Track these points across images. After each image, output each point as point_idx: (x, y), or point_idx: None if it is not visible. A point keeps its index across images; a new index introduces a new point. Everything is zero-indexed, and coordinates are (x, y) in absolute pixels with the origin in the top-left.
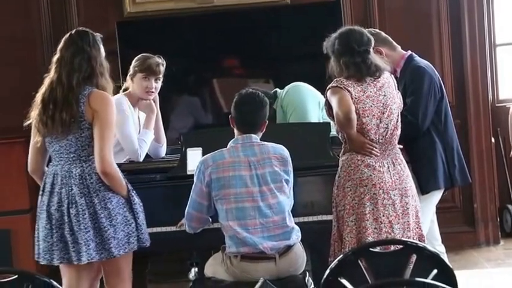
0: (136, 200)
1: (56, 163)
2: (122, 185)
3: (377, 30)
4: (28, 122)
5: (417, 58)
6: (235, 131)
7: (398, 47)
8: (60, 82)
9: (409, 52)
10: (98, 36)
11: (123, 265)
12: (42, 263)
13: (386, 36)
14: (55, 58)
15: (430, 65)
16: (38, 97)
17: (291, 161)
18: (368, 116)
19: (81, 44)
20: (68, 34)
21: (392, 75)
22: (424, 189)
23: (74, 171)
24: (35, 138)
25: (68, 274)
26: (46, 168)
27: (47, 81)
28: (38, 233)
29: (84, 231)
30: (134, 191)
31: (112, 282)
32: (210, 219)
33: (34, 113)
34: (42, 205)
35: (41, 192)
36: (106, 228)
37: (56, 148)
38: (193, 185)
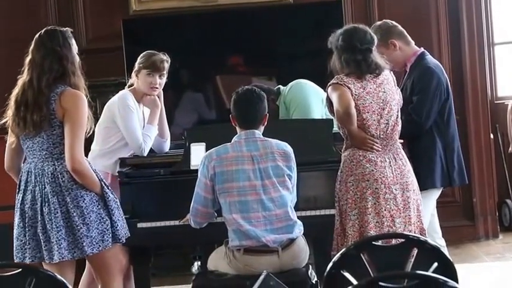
0: (110, 196)
1: (30, 160)
2: (94, 182)
3: (394, 23)
4: (4, 121)
5: (428, 57)
6: (238, 128)
7: (412, 43)
8: (31, 85)
9: (422, 49)
10: (68, 31)
11: (109, 260)
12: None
13: (403, 30)
14: (27, 60)
15: (440, 65)
16: (12, 98)
17: (294, 158)
18: (368, 112)
19: (51, 45)
20: (38, 34)
21: (392, 73)
22: (421, 186)
23: (46, 169)
24: (10, 138)
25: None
26: (23, 165)
27: (19, 83)
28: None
29: (56, 230)
30: (109, 188)
31: (100, 277)
32: (216, 214)
33: (9, 113)
34: (17, 203)
35: (17, 190)
36: (79, 227)
37: (30, 145)
38: (198, 180)
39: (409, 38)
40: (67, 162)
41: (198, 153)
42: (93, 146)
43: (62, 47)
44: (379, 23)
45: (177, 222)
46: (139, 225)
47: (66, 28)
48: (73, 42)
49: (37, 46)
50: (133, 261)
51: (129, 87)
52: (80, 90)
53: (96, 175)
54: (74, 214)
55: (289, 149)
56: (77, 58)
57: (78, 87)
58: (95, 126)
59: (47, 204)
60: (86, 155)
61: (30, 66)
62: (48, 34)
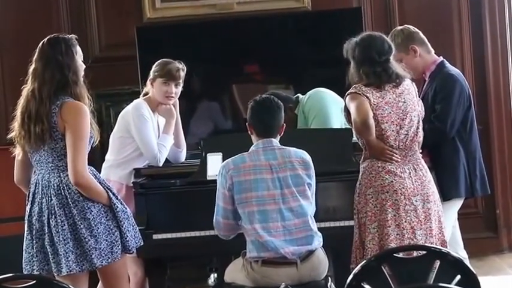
0: (119, 206)
1: (38, 172)
2: (99, 194)
3: (416, 29)
4: (11, 135)
5: (448, 65)
6: (254, 136)
7: (432, 51)
8: (34, 95)
9: (441, 58)
10: (73, 38)
11: (118, 269)
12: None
13: (424, 37)
14: (31, 69)
15: (461, 73)
16: (18, 109)
17: (313, 166)
18: (387, 123)
19: (53, 54)
20: (41, 43)
21: (414, 83)
22: (445, 196)
23: (52, 181)
24: (17, 150)
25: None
26: (32, 176)
27: (24, 93)
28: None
29: (64, 243)
30: (117, 198)
31: (109, 284)
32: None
33: (15, 125)
34: (26, 214)
35: (26, 202)
36: (87, 239)
37: (37, 158)
38: (217, 191)
39: (430, 47)
40: (70, 177)
41: (214, 163)
42: (107, 156)
43: (63, 56)
44: (400, 27)
45: (193, 233)
46: (155, 236)
47: (71, 35)
48: (77, 49)
49: (39, 55)
50: (148, 273)
51: (143, 96)
52: (82, 100)
53: (103, 186)
54: (81, 226)
55: (307, 156)
56: (81, 66)
57: (81, 96)
58: (107, 137)
59: (53, 216)
60: (100, 164)
61: (33, 76)
62: (51, 43)
